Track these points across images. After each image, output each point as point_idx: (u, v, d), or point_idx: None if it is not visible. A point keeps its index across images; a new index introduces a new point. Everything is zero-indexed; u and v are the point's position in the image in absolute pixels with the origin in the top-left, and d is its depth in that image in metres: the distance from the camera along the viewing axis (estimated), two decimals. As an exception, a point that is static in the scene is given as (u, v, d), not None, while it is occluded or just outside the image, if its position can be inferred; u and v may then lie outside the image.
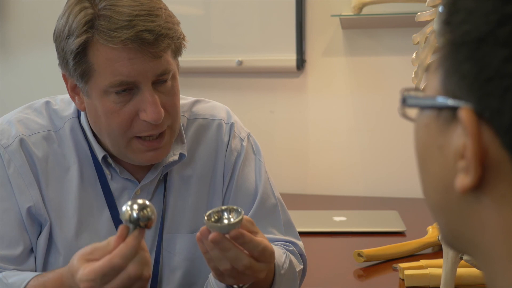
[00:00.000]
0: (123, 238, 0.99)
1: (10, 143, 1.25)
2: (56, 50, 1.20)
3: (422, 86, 1.27)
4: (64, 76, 1.23)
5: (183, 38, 1.22)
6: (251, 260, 1.07)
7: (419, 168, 0.60)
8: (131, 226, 0.99)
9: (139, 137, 1.21)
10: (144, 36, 1.11)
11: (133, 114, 1.18)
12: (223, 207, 1.10)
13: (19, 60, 3.06)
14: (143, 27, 1.11)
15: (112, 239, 0.99)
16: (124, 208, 0.99)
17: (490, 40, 0.51)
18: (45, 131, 1.28)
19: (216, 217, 1.09)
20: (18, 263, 1.23)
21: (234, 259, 1.06)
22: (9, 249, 1.22)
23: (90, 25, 1.13)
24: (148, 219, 0.98)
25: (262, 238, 1.11)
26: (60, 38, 1.18)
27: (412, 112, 0.58)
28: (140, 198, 1.29)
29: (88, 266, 0.98)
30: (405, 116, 0.58)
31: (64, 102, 1.32)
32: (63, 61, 1.19)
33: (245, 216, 1.08)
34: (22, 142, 1.25)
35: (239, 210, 1.08)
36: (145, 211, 0.98)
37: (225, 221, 1.08)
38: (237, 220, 1.06)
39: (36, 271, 1.25)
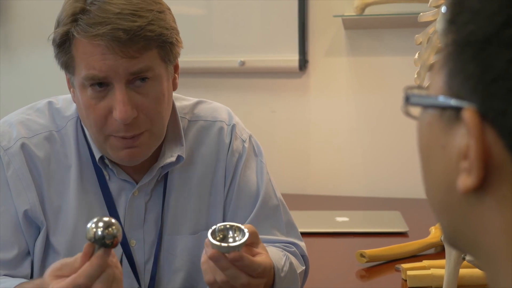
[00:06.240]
0: (88, 256, 0.97)
1: (10, 145, 1.24)
2: None
3: (425, 86, 1.26)
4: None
5: (176, 43, 1.19)
6: (249, 278, 1.07)
7: (422, 167, 0.59)
8: (96, 244, 0.97)
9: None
10: (117, 34, 1.10)
11: (107, 112, 1.16)
12: (230, 224, 1.08)
13: (20, 60, 3.07)
14: (118, 26, 1.10)
15: (79, 256, 0.98)
16: (88, 225, 0.97)
17: (495, 41, 0.50)
18: (46, 132, 1.27)
19: (221, 236, 1.07)
20: (12, 267, 1.22)
21: (231, 277, 1.06)
22: (2, 252, 1.22)
23: (74, 18, 1.13)
24: (114, 237, 0.97)
25: (262, 251, 1.10)
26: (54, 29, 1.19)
27: (415, 110, 0.58)
28: (137, 199, 1.29)
29: (56, 284, 0.98)
30: (408, 114, 0.58)
31: (66, 101, 1.32)
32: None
33: (248, 226, 1.08)
34: (23, 144, 1.24)
35: (245, 232, 1.06)
36: (110, 229, 0.96)
37: (230, 240, 1.06)
38: (239, 243, 1.04)
39: (33, 274, 1.25)
